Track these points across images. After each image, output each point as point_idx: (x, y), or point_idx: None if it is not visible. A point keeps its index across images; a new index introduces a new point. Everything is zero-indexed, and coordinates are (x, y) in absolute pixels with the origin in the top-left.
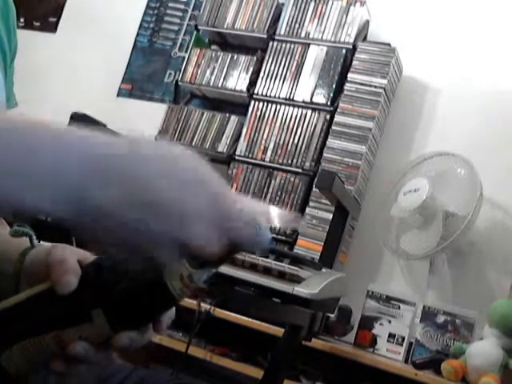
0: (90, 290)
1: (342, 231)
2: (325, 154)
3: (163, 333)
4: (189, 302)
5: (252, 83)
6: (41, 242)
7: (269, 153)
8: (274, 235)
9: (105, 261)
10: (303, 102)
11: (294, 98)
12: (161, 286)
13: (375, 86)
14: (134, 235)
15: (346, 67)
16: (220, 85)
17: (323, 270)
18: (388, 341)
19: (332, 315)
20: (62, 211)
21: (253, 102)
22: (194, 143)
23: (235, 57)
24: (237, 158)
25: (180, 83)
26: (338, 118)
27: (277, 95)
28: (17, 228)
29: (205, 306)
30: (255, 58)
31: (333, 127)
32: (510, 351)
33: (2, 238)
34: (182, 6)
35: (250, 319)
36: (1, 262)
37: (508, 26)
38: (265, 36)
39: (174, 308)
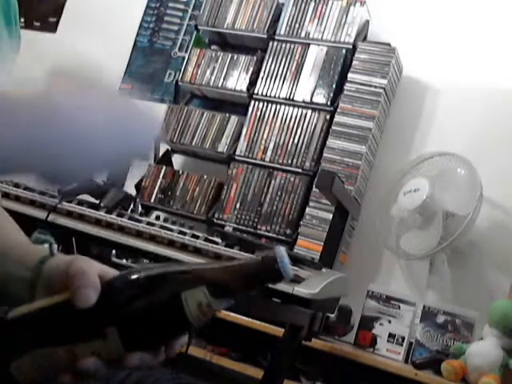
0: (107, 306)
1: (342, 231)
2: (325, 154)
3: (175, 354)
4: None
5: (252, 83)
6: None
7: (269, 153)
8: (275, 235)
9: (125, 279)
10: (303, 101)
11: (294, 98)
12: (178, 311)
13: (375, 86)
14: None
15: (346, 67)
16: (220, 85)
17: (323, 269)
18: (388, 341)
19: (332, 315)
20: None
21: (253, 102)
22: (193, 143)
23: (235, 57)
24: (237, 158)
25: (180, 83)
26: (338, 118)
27: (277, 95)
28: (38, 235)
29: None
30: (255, 58)
31: (333, 127)
32: (510, 351)
33: (22, 244)
34: (182, 6)
35: (250, 319)
36: (19, 267)
37: (508, 25)
38: (265, 36)
39: (186, 334)
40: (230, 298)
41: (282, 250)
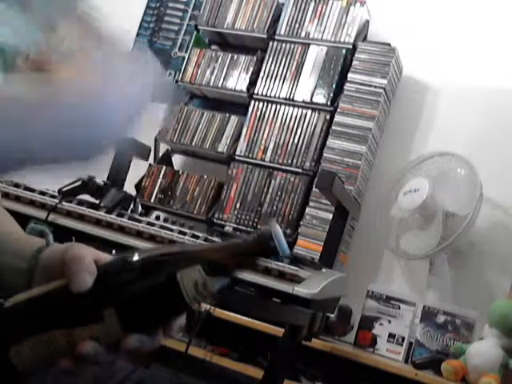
0: (104, 290)
1: (342, 231)
2: (325, 154)
3: (173, 337)
4: None
5: (252, 83)
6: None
7: (269, 153)
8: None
9: (121, 262)
10: (303, 102)
11: (294, 98)
12: (174, 291)
13: (375, 86)
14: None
15: (346, 67)
16: (220, 85)
17: (323, 269)
18: (388, 341)
19: (332, 315)
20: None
21: (253, 102)
22: (193, 143)
23: (235, 57)
24: (237, 158)
25: (180, 83)
26: (338, 118)
27: (277, 95)
28: (33, 225)
29: (205, 306)
30: (255, 58)
31: (333, 127)
32: (510, 351)
33: (18, 235)
34: (182, 6)
35: (250, 319)
36: (15, 258)
37: (508, 25)
38: (265, 36)
39: (184, 315)
40: (225, 277)
41: (276, 227)
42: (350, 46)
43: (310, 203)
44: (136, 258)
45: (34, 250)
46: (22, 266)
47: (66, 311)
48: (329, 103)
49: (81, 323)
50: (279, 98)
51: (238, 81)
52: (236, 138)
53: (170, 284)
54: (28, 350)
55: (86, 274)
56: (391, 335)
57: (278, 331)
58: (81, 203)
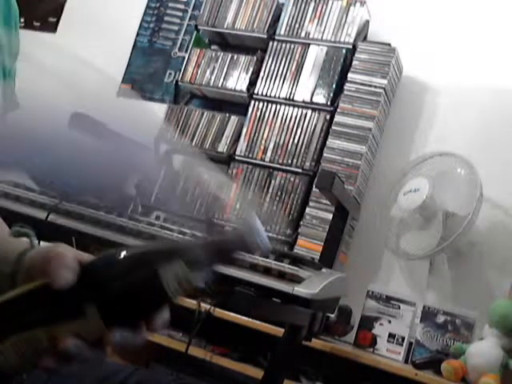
0: (86, 286)
1: (342, 231)
2: (325, 154)
3: (158, 333)
4: (189, 302)
5: (252, 83)
6: (41, 243)
7: (269, 153)
8: (275, 235)
9: (102, 260)
10: (303, 101)
11: (294, 98)
12: (156, 284)
13: (375, 86)
14: None
15: (346, 67)
16: (220, 85)
17: (323, 270)
18: (388, 341)
19: (332, 315)
20: None
21: (253, 102)
22: (193, 143)
23: (235, 57)
24: (237, 158)
25: (180, 83)
26: (338, 118)
27: (277, 95)
28: (17, 228)
29: (205, 306)
30: (255, 58)
31: (333, 127)
32: (510, 351)
33: (2, 237)
34: (182, 6)
35: (250, 319)
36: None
37: (508, 25)
38: (265, 36)
39: (168, 309)
40: (207, 272)
41: (256, 221)
42: (350, 46)
43: (310, 203)
44: (119, 255)
45: (17, 254)
46: (6, 270)
47: (47, 308)
48: (329, 103)
49: (62, 319)
50: (279, 97)
51: (237, 81)
52: (236, 138)
53: (152, 278)
54: (10, 349)
55: (67, 270)
56: (391, 335)
57: (278, 331)
58: (81, 203)
